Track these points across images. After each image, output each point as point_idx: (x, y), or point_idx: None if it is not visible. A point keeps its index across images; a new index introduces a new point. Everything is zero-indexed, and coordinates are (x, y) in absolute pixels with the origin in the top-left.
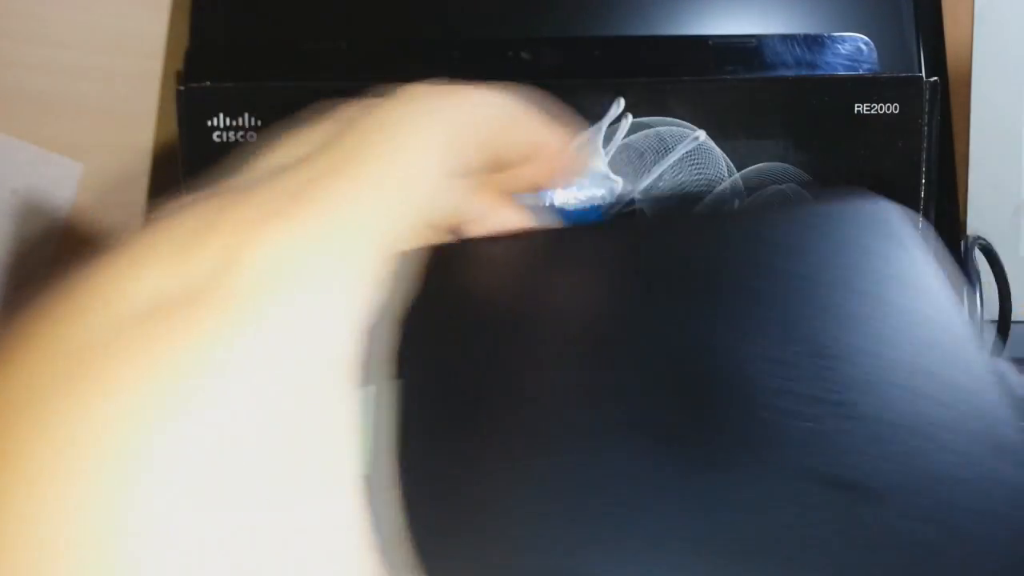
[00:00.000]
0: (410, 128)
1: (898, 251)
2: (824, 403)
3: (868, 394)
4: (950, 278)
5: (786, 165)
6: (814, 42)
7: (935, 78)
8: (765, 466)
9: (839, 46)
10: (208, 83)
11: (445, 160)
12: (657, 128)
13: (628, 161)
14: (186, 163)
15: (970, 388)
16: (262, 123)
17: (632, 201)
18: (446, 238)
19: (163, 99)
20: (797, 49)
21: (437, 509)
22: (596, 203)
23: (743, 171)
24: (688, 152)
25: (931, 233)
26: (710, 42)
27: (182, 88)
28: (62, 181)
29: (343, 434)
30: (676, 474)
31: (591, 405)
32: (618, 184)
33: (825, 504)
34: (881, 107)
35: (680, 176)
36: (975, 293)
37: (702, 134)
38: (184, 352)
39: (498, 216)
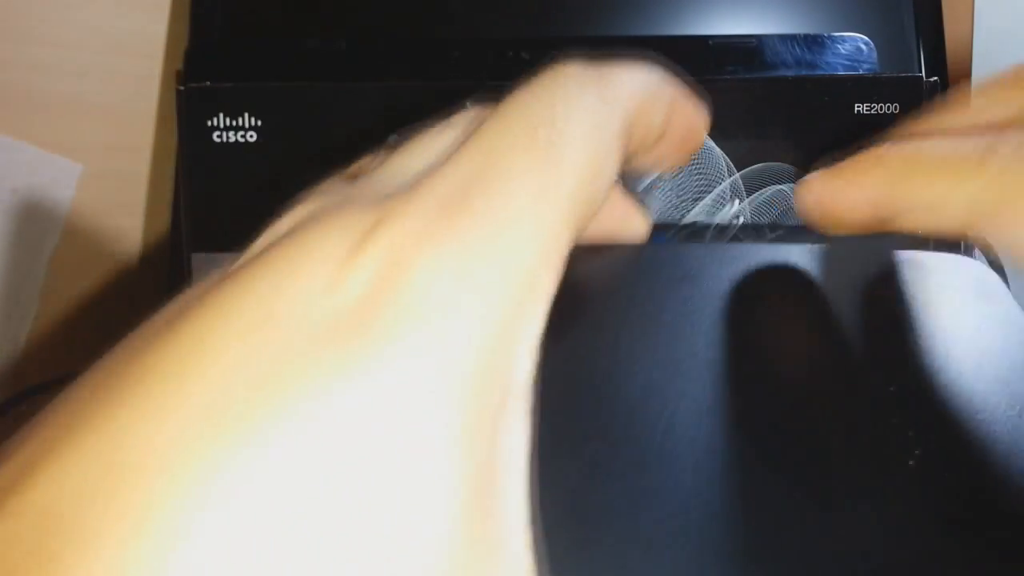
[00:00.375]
0: (570, 114)
1: (993, 307)
2: (917, 444)
3: (949, 436)
4: None
5: (786, 165)
6: (814, 42)
7: (935, 78)
8: (882, 508)
9: (839, 46)
10: (208, 83)
11: (616, 150)
12: None
13: None
14: (186, 163)
15: None
16: (262, 123)
17: None
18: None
19: (163, 99)
20: (797, 49)
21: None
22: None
23: (743, 171)
24: None
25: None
26: (710, 42)
27: (182, 88)
28: (62, 181)
29: (522, 467)
30: (786, 504)
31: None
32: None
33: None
34: (881, 107)
35: (680, 176)
36: None
37: None
38: (365, 383)
39: (616, 209)
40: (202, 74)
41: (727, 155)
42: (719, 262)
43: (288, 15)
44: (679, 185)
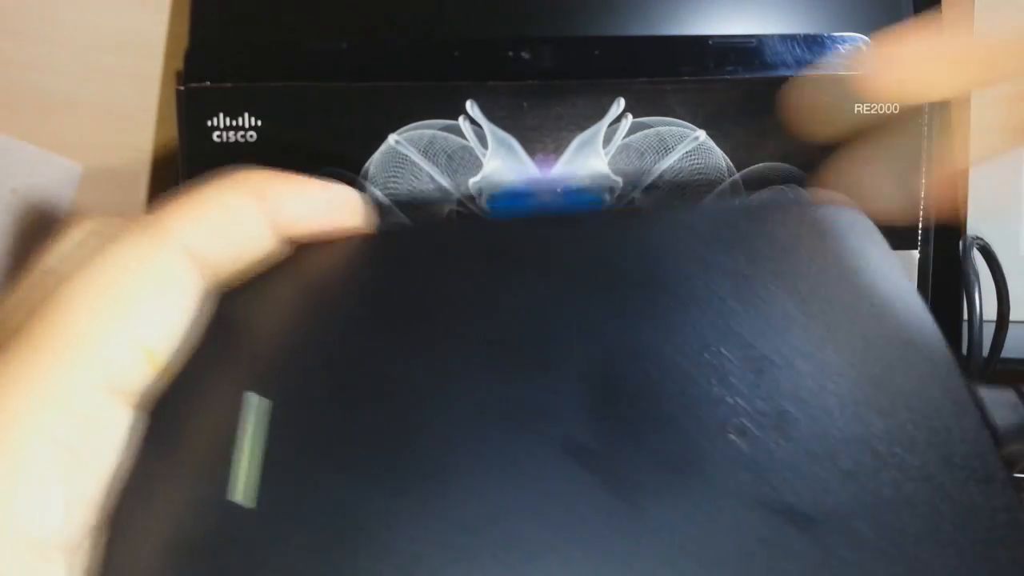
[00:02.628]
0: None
1: (843, 248)
2: (756, 416)
3: (805, 405)
4: (910, 281)
5: (786, 165)
6: (814, 42)
7: None
8: (693, 490)
9: (839, 46)
10: (208, 83)
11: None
12: (657, 128)
13: (628, 161)
14: (186, 163)
15: (921, 395)
16: (262, 123)
17: (632, 201)
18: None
19: (163, 99)
20: (797, 49)
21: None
22: (596, 204)
23: (743, 171)
24: (688, 152)
25: (930, 234)
26: (710, 42)
27: (182, 88)
28: (62, 181)
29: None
30: (601, 502)
31: (506, 421)
32: (618, 184)
33: (757, 532)
34: (881, 107)
35: (680, 176)
36: (974, 293)
37: (702, 134)
38: None
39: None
40: (202, 74)
41: (727, 155)
42: (534, 236)
43: (288, 15)
44: (679, 186)
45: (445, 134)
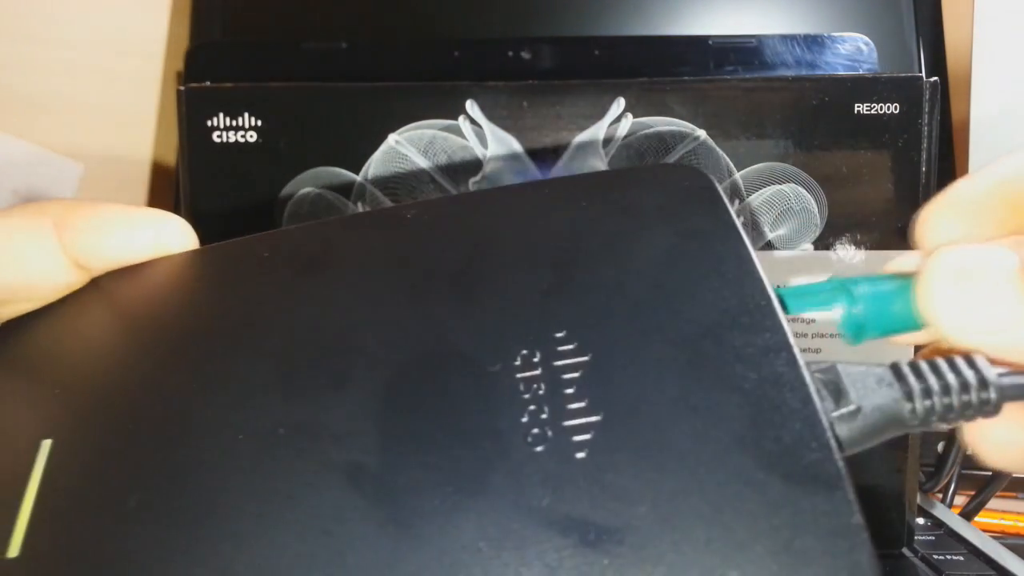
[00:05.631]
0: None
1: (670, 219)
2: (561, 425)
3: (613, 409)
4: (754, 254)
5: (786, 165)
6: (814, 42)
7: (935, 78)
8: (479, 511)
9: (839, 46)
10: (208, 83)
11: None
12: (657, 128)
13: (628, 161)
14: (186, 163)
15: (740, 397)
16: (262, 123)
17: None
18: None
19: (163, 99)
20: (797, 49)
21: None
22: None
23: (743, 171)
24: (688, 152)
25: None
26: (710, 42)
27: (182, 88)
28: (62, 181)
29: None
30: (374, 536)
31: (288, 449)
32: None
33: (547, 558)
34: (881, 107)
35: None
36: None
37: (702, 134)
38: None
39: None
40: (202, 74)
41: (727, 155)
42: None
43: (288, 15)
44: None
45: (445, 134)
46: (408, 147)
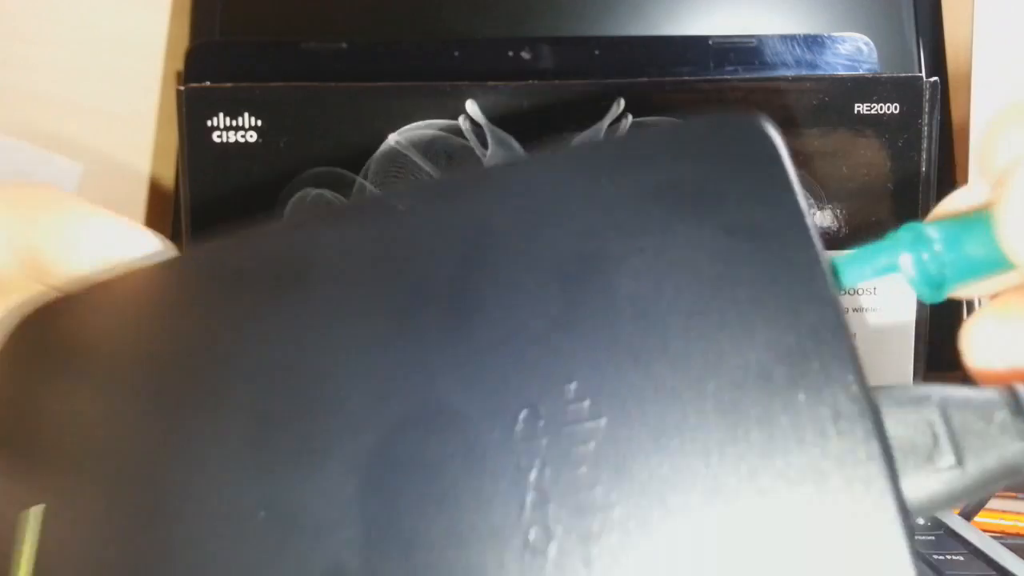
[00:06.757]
0: None
1: (716, 211)
2: (569, 519)
3: (644, 496)
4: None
5: None
6: (814, 42)
7: (935, 78)
8: None
9: (839, 46)
10: (208, 83)
11: None
12: None
13: None
14: (186, 163)
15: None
16: (262, 123)
17: None
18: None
19: (163, 99)
20: (797, 49)
21: None
22: None
23: None
24: None
25: None
26: (710, 42)
27: (182, 88)
28: (62, 181)
29: None
30: None
31: (265, 539)
32: None
33: None
34: (881, 107)
35: None
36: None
37: None
38: None
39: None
40: (202, 74)
41: None
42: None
43: (288, 15)
44: None
45: (445, 134)
46: (408, 147)
